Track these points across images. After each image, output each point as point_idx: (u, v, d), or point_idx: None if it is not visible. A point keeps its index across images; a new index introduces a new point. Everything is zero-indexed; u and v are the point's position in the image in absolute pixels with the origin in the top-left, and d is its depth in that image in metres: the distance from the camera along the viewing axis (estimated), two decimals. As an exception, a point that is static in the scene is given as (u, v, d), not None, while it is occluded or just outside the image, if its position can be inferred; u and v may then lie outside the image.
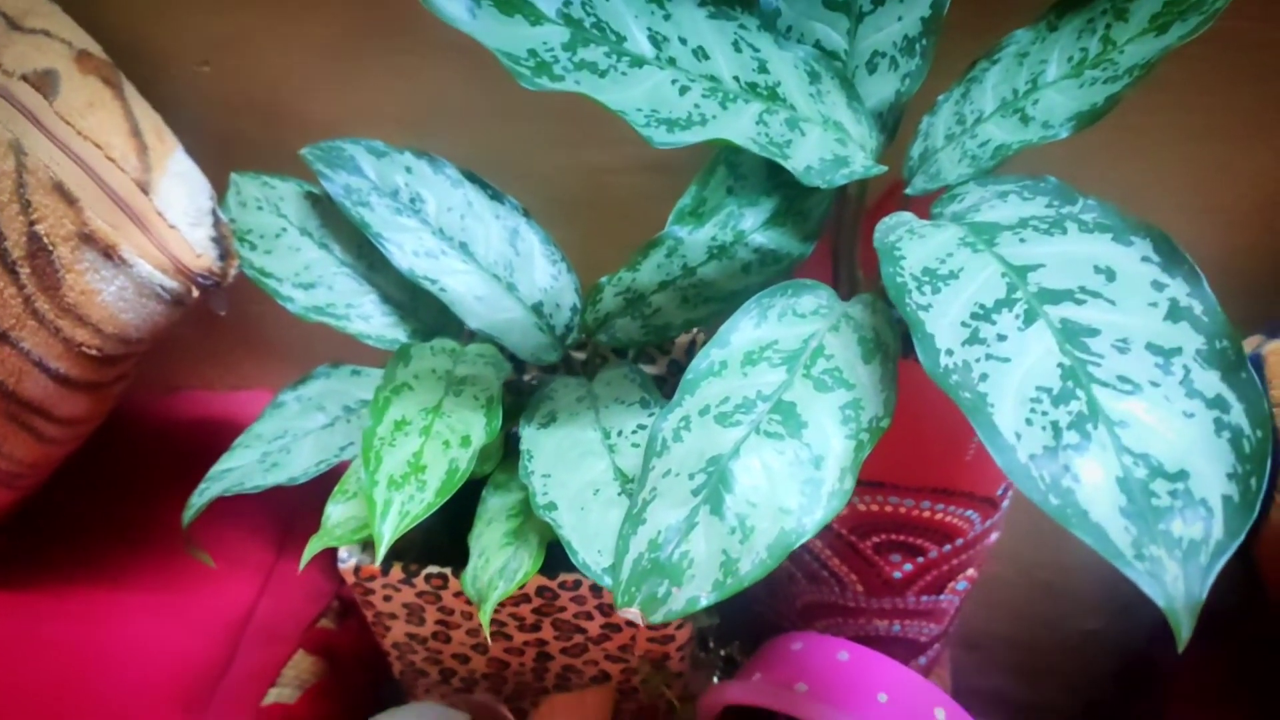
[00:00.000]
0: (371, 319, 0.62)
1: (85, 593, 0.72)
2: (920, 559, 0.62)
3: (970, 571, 0.65)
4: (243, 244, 0.63)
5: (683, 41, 0.47)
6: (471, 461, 0.50)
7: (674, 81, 0.45)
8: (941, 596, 0.65)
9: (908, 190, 0.53)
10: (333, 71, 0.69)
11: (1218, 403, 0.36)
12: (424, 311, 0.63)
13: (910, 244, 0.45)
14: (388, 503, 0.48)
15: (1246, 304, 0.69)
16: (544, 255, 0.62)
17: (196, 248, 0.59)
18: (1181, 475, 0.35)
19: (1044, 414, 0.37)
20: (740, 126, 0.45)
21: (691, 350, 0.71)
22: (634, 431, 0.52)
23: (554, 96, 0.61)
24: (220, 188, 0.63)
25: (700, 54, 0.47)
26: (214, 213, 0.62)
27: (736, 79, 0.47)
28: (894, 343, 0.47)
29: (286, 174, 0.67)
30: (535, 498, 0.48)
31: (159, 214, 0.59)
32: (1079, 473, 0.36)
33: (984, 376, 0.39)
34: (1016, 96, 0.50)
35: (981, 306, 0.41)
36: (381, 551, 0.47)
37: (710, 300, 0.58)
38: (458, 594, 0.58)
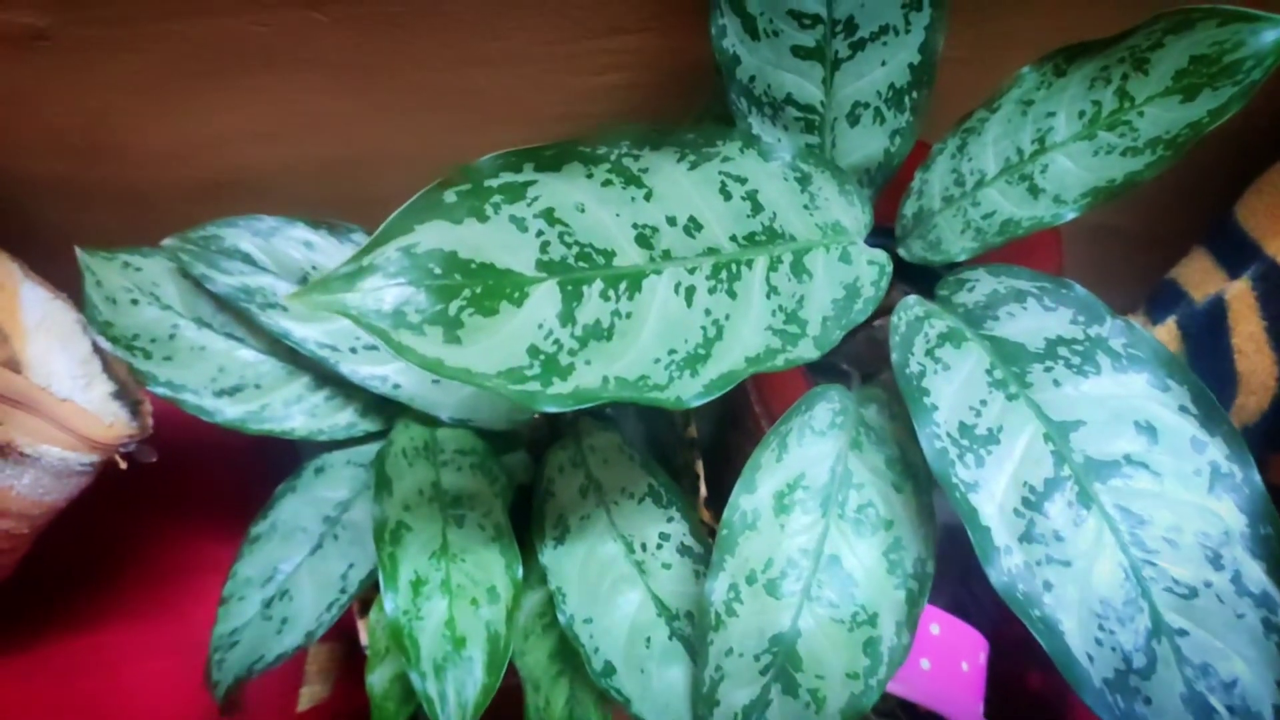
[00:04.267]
0: (316, 410, 0.56)
1: (85, 645, 0.71)
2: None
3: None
4: (133, 354, 0.54)
5: (671, 222, 0.39)
6: (511, 624, 0.49)
7: (678, 287, 0.39)
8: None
9: (901, 252, 0.49)
10: (161, 104, 0.54)
11: (1265, 601, 0.39)
12: (368, 384, 0.58)
13: (936, 381, 0.43)
14: (442, 695, 0.48)
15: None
16: (491, 310, 0.55)
17: (104, 417, 0.51)
18: (1235, 683, 0.39)
19: (1110, 633, 0.39)
20: (754, 318, 0.40)
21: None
22: (659, 547, 0.52)
23: (440, 80, 0.57)
24: (55, 237, 0.53)
25: (693, 227, 0.40)
26: (98, 352, 0.52)
27: (734, 238, 0.41)
28: (922, 464, 0.46)
29: (131, 207, 0.57)
30: (590, 662, 0.49)
31: (44, 390, 0.50)
32: (1150, 694, 0.39)
33: (1048, 585, 0.40)
34: (1022, 159, 0.45)
35: (1032, 490, 0.41)
36: (459, 754, 0.47)
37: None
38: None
